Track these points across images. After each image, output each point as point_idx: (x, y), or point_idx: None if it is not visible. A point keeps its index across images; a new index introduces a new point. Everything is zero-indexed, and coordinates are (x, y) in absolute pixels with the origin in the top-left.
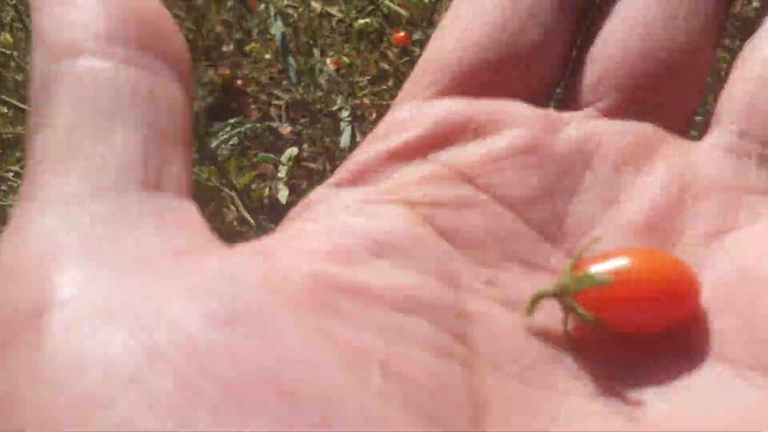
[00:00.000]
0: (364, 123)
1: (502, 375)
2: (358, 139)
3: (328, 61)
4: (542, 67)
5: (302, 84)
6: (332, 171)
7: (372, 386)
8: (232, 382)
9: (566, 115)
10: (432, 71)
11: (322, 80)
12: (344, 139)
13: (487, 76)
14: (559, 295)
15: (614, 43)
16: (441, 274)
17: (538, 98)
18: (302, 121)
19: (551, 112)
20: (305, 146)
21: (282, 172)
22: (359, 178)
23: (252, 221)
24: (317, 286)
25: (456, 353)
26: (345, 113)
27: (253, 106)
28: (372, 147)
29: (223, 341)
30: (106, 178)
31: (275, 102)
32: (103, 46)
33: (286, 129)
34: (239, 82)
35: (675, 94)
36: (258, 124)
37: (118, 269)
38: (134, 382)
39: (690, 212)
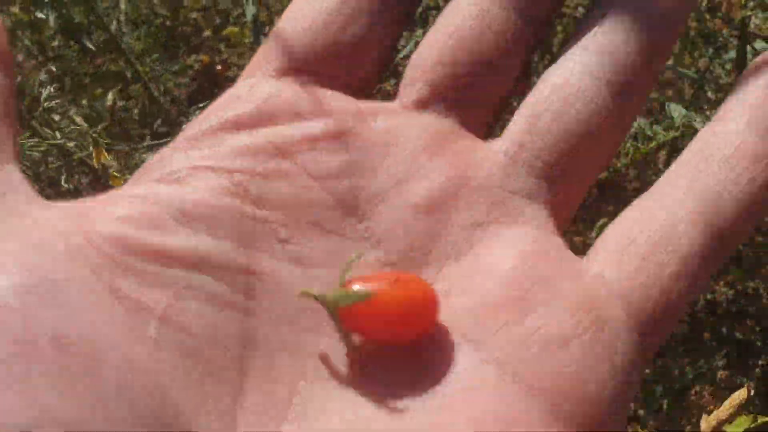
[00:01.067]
0: None
1: (276, 322)
2: None
3: None
4: (364, 61)
5: None
6: None
7: (146, 335)
8: (20, 336)
9: (379, 105)
10: (269, 53)
11: None
12: None
13: (316, 64)
14: (324, 304)
15: (431, 47)
16: (239, 237)
17: (363, 86)
18: None
19: (365, 103)
20: None
21: None
22: (193, 145)
23: None
24: (117, 249)
25: (237, 304)
26: None
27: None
28: (208, 117)
29: (19, 305)
30: None
31: None
32: None
33: None
34: (219, 67)
35: (476, 96)
36: None
37: None
38: None
39: (462, 202)
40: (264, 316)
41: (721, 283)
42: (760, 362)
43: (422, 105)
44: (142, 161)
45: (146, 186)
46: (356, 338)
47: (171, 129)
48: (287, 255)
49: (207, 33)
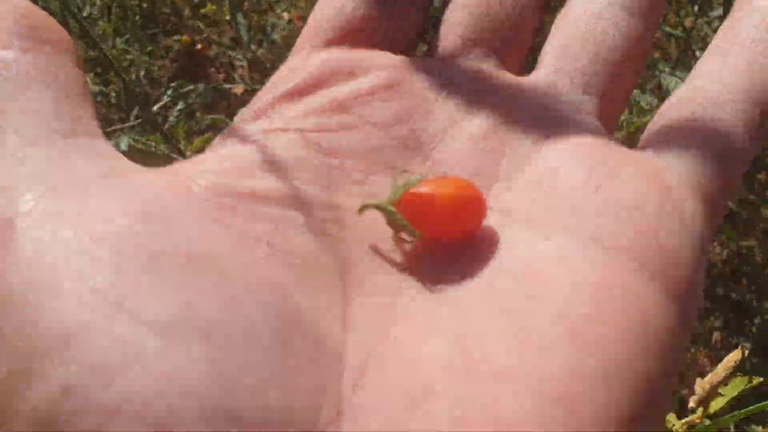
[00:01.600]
0: None
1: (364, 248)
2: None
3: (286, 15)
4: (404, 23)
5: (258, 41)
6: None
7: (259, 255)
8: (151, 254)
9: (422, 58)
10: (317, 27)
11: (276, 36)
12: None
13: (362, 29)
14: (383, 208)
15: (461, 6)
16: (319, 181)
17: (406, 45)
18: (257, 79)
19: (410, 58)
20: None
21: None
22: (261, 115)
23: None
24: (214, 193)
25: (331, 232)
26: None
27: (212, 70)
28: (270, 90)
29: (143, 229)
30: (36, 130)
31: (238, 64)
32: (3, 41)
33: (239, 89)
34: (199, 46)
35: (508, 38)
36: (203, 86)
37: (60, 191)
38: (82, 254)
39: (517, 126)
40: (355, 242)
41: (715, 243)
42: (756, 322)
43: (462, 51)
44: (116, 144)
45: (227, 149)
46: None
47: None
48: (364, 193)
49: (186, 12)
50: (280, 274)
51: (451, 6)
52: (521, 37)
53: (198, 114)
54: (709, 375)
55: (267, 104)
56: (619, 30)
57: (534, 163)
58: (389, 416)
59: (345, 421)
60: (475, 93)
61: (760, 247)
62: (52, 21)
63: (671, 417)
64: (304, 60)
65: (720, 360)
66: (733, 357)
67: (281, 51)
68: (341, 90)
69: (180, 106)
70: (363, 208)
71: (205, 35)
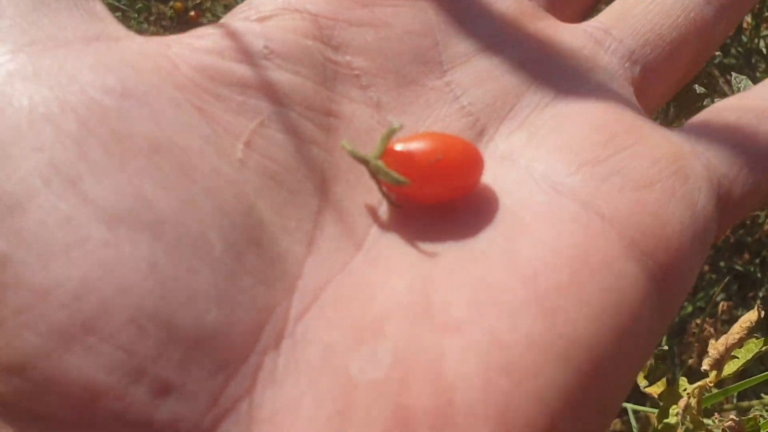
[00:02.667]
0: None
1: (349, 163)
2: None
3: None
4: None
5: None
6: None
7: (232, 156)
8: (117, 133)
9: None
10: None
11: None
12: None
13: None
14: (368, 162)
15: None
16: (322, 79)
17: None
18: None
19: None
20: None
21: None
22: None
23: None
24: (202, 75)
25: (319, 140)
26: None
27: None
28: None
29: (114, 106)
30: None
31: None
32: None
33: None
34: (192, 13)
35: None
36: None
37: (43, 45)
38: (49, 121)
39: (547, 68)
40: (341, 156)
41: None
42: (760, 293)
43: None
44: None
45: (232, 23)
46: (394, 197)
47: None
48: (366, 100)
49: None
50: (249, 181)
51: None
52: None
53: None
54: (724, 336)
55: None
56: (687, 12)
57: (556, 107)
58: (330, 349)
59: (283, 348)
60: (514, 25)
61: (766, 217)
62: None
63: (683, 381)
64: None
65: (725, 333)
66: (749, 317)
67: None
68: None
69: None
70: (347, 151)
71: (198, 1)
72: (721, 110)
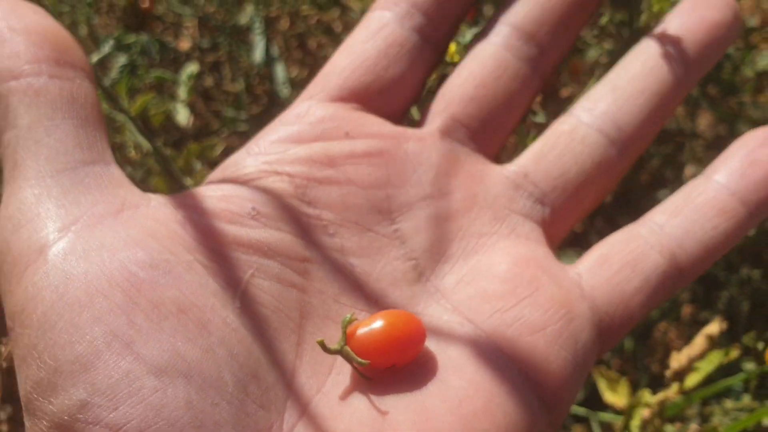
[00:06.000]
0: (277, 36)
1: (325, 299)
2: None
3: None
4: (401, 94)
5: None
6: (248, 90)
7: (234, 306)
8: (152, 301)
9: (410, 131)
10: (325, 82)
11: None
12: (258, 55)
13: (362, 95)
14: (340, 351)
15: (456, 85)
16: (298, 231)
17: (398, 114)
18: (208, 36)
19: (401, 129)
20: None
21: (182, 92)
22: (262, 152)
23: (147, 146)
24: (206, 237)
25: (297, 283)
26: (257, 25)
27: (160, 29)
28: (275, 130)
29: (147, 277)
30: (61, 161)
31: (186, 24)
32: (34, 68)
33: (185, 43)
34: (146, 4)
35: (491, 128)
36: (146, 38)
37: (83, 224)
38: (101, 294)
39: (472, 215)
40: (316, 293)
41: None
42: (725, 295)
43: (446, 132)
44: None
45: (225, 186)
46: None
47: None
48: (333, 246)
49: None
50: (248, 326)
51: (448, 81)
52: (505, 126)
53: (141, 70)
54: (685, 348)
55: (269, 142)
56: (593, 157)
57: (476, 256)
58: None
59: None
60: (447, 174)
61: None
62: (72, 41)
63: (645, 393)
64: (309, 109)
65: (690, 337)
66: (710, 330)
67: (231, 8)
68: (335, 147)
69: (122, 60)
70: (323, 348)
71: None
72: (610, 243)
